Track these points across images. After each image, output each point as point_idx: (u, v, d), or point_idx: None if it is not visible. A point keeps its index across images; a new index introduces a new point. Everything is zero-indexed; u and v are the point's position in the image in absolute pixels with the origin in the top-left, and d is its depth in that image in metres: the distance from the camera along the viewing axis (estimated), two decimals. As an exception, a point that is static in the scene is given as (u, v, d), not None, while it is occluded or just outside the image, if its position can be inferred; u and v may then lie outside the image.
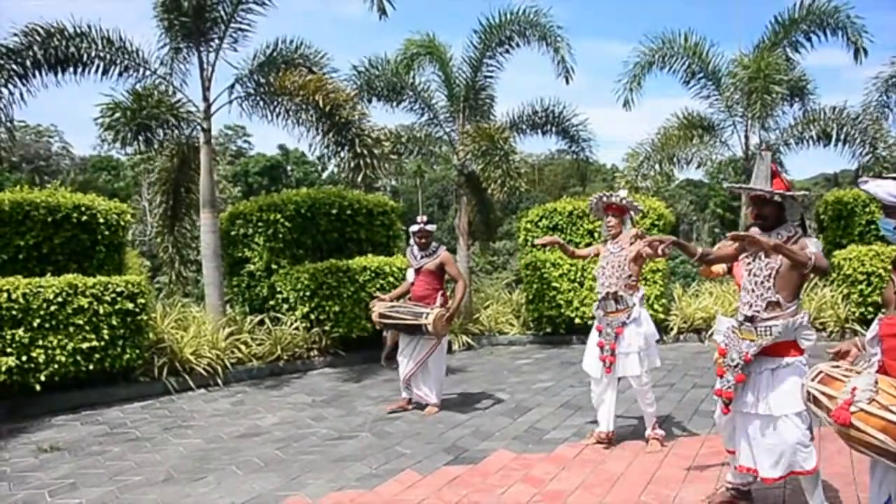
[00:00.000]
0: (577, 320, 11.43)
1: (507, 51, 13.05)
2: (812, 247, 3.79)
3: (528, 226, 12.67)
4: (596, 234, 12.25)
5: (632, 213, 6.11)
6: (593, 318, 11.08)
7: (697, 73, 13.43)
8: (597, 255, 6.27)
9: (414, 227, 7.53)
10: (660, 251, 4.12)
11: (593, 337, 6.08)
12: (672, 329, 11.45)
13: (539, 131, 13.60)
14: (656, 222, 11.80)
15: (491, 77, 13.16)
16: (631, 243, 5.83)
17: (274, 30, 10.89)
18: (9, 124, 9.79)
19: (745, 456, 4.14)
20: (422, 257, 7.45)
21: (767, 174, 3.99)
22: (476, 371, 9.80)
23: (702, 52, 13.29)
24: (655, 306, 11.11)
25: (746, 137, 13.58)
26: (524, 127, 13.46)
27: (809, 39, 13.51)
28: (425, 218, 7.58)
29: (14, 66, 9.32)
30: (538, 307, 11.85)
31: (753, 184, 4.07)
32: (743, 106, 13.00)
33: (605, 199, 6.06)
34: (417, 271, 7.48)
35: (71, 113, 46.47)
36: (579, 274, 11.51)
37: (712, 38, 24.10)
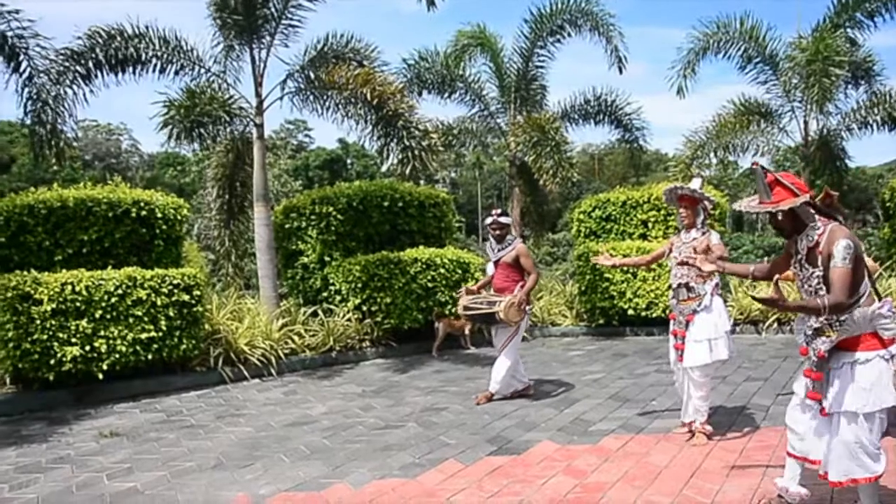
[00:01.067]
0: (630, 312, 11.31)
1: (559, 40, 13.00)
2: (840, 259, 3.65)
3: (581, 216, 12.57)
4: (650, 224, 12.11)
5: (705, 203, 6.03)
6: (647, 309, 11.08)
7: (754, 57, 13.10)
8: (670, 250, 6.22)
9: (488, 220, 7.59)
10: (705, 273, 4.15)
11: (671, 327, 6.10)
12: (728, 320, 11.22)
13: (592, 121, 13.50)
14: (712, 212, 11.57)
15: (542, 67, 13.14)
16: (702, 240, 5.82)
17: (327, 24, 11.03)
18: (73, 123, 10.16)
19: (815, 451, 3.98)
20: (499, 250, 7.51)
21: (765, 188, 3.87)
22: (527, 362, 9.73)
23: (758, 35, 12.94)
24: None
25: (805, 123, 13.20)
26: (576, 117, 13.38)
27: (873, 18, 13.00)
28: (499, 210, 7.63)
29: (78, 68, 9.69)
30: (591, 298, 11.76)
31: (757, 201, 3.96)
32: (801, 90, 12.61)
33: (677, 190, 6.01)
34: (496, 264, 7.56)
35: (139, 111, 47.86)
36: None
37: (770, 21, 23.47)
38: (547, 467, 5.28)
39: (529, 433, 6.25)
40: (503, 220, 7.54)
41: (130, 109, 75.90)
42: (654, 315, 11.32)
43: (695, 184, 6.03)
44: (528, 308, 7.52)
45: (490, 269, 7.75)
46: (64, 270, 8.31)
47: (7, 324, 7.82)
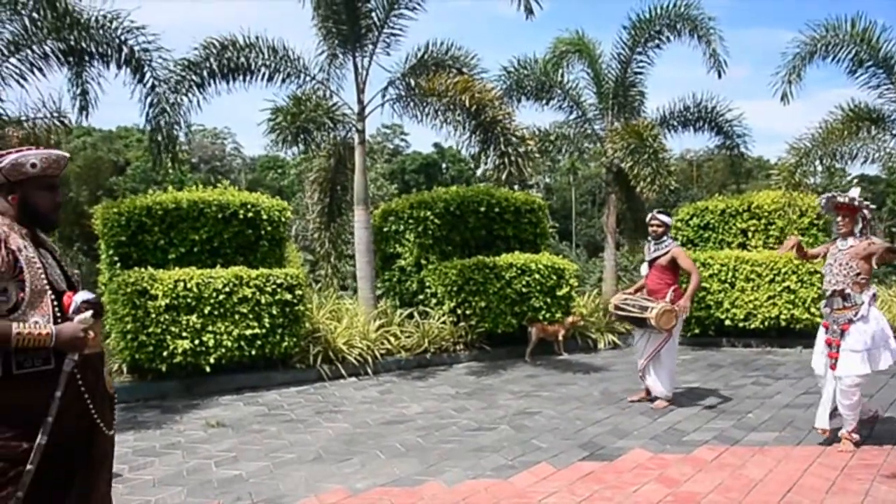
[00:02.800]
0: (728, 322, 11.10)
1: (658, 46, 12.84)
2: None
3: (679, 224, 12.41)
4: (749, 234, 11.86)
5: (864, 211, 5.95)
6: (745, 320, 10.83)
7: (866, 61, 12.54)
8: (825, 254, 6.18)
9: (648, 216, 7.67)
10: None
11: (821, 335, 6.07)
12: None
13: (691, 128, 13.28)
14: (815, 221, 11.27)
15: (640, 73, 13.00)
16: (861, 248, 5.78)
17: (427, 30, 11.32)
18: (187, 129, 10.73)
19: None
20: (654, 251, 7.55)
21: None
22: (620, 370, 9.75)
23: (871, 38, 12.39)
24: (812, 309, 10.61)
25: (921, 129, 12.58)
26: (675, 123, 13.19)
27: None
28: (660, 209, 7.68)
29: (193, 77, 10.23)
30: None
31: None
32: (918, 96, 12.03)
33: (836, 198, 5.97)
34: (650, 264, 7.59)
35: (242, 116, 49.82)
36: (730, 275, 11.16)
37: (885, 23, 22.32)
38: (639, 475, 5.30)
39: (622, 440, 6.26)
40: (663, 217, 7.55)
41: (234, 114, 78.88)
42: (752, 326, 11.07)
43: (854, 192, 5.98)
44: (683, 314, 7.43)
45: (644, 269, 7.74)
46: (177, 268, 8.79)
47: (126, 317, 8.33)
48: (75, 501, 2.95)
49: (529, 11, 10.12)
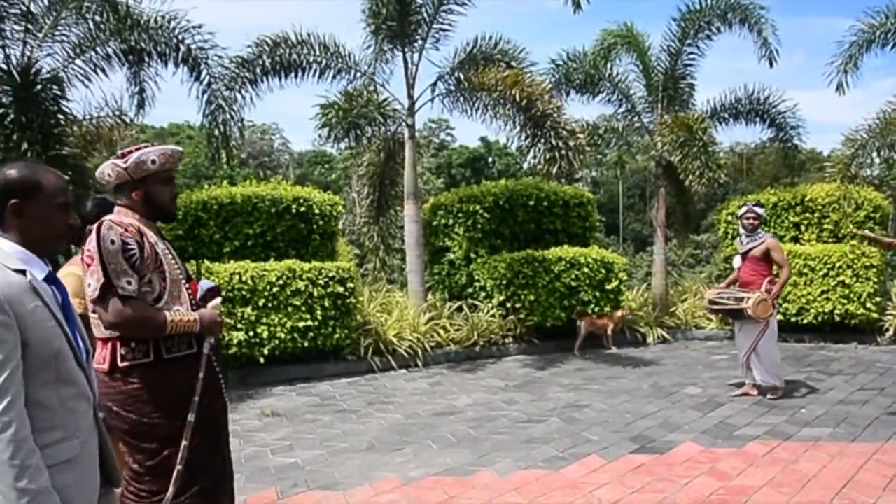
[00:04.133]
0: (780, 317, 10.91)
1: (708, 37, 12.65)
2: None
3: (729, 218, 12.27)
4: (802, 227, 11.69)
5: None
6: (797, 315, 10.67)
7: (929, 48, 12.22)
8: None
9: (742, 209, 7.72)
10: None
11: None
12: (888, 330, 10.67)
13: (742, 120, 13.07)
14: (872, 214, 11.05)
15: (690, 65, 12.83)
16: None
17: (473, 25, 11.36)
18: (240, 124, 10.97)
19: None
20: (747, 243, 7.58)
21: None
22: (669, 364, 9.72)
23: (935, 24, 12.07)
24: (868, 304, 10.43)
25: None
26: (726, 116, 13.00)
27: None
28: (755, 200, 7.68)
29: (246, 74, 10.46)
30: (738, 302, 11.46)
31: None
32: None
33: None
34: (743, 256, 7.63)
35: (289, 112, 50.49)
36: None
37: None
38: (690, 468, 5.32)
39: (672, 434, 6.28)
40: (758, 210, 7.59)
41: (282, 110, 79.94)
42: (805, 321, 10.92)
43: None
44: (776, 303, 7.49)
45: (737, 261, 7.77)
46: (231, 261, 9.01)
47: (182, 309, 8.57)
48: (222, 470, 3.26)
49: (577, 6, 10.13)
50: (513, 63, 11.10)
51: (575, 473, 5.31)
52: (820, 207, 11.54)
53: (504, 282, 10.68)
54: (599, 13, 14.57)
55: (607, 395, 7.92)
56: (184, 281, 3.17)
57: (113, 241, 2.89)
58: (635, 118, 13.23)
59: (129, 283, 2.92)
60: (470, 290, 11.39)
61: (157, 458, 3.03)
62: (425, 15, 10.89)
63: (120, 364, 2.98)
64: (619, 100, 13.05)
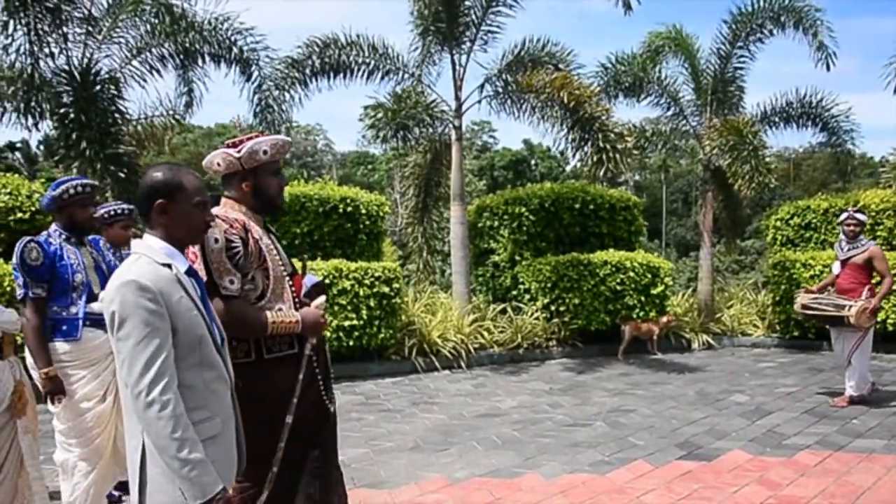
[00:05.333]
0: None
1: (760, 40, 12.46)
2: None
3: (778, 224, 12.10)
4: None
5: None
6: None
7: None
8: None
9: (843, 216, 7.57)
10: None
11: None
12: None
13: (794, 124, 12.83)
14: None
15: (741, 68, 12.65)
16: None
17: (519, 27, 11.41)
18: (288, 124, 11.12)
19: None
20: (848, 249, 7.45)
21: None
22: (715, 370, 9.62)
23: None
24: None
25: None
26: (776, 120, 12.77)
27: None
28: (857, 206, 7.57)
29: (296, 74, 10.59)
30: (786, 309, 11.27)
31: None
32: None
33: None
34: (843, 263, 7.50)
35: (332, 113, 51.01)
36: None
37: None
38: (739, 476, 5.27)
39: (720, 441, 6.21)
40: (860, 216, 7.44)
41: (325, 111, 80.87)
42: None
43: None
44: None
45: (836, 268, 7.63)
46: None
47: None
48: (314, 474, 3.18)
49: (628, 7, 10.10)
50: (560, 65, 11.08)
51: (622, 478, 5.29)
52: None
53: (548, 285, 10.66)
54: (644, 16, 14.46)
55: (652, 400, 7.87)
56: (287, 278, 3.12)
57: (216, 240, 2.85)
58: (683, 121, 13.09)
59: (231, 282, 2.90)
60: (514, 292, 11.39)
61: (253, 458, 2.94)
62: (474, 17, 10.93)
63: None
64: (668, 103, 12.92)
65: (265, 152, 3.04)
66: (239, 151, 3.01)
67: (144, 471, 2.25)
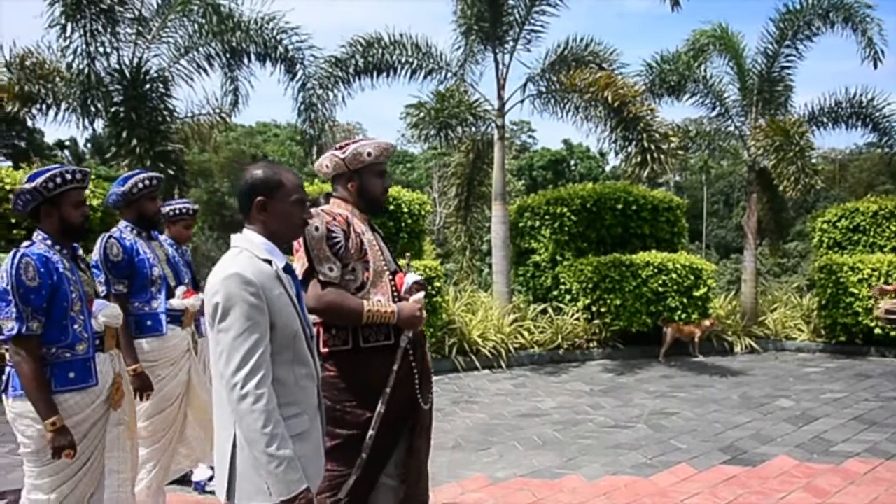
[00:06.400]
0: (878, 331, 10.53)
1: (808, 38, 12.23)
2: None
3: (825, 226, 11.88)
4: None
5: None
6: (897, 329, 10.23)
7: None
8: None
9: None
10: None
11: None
12: None
13: (843, 124, 12.56)
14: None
15: (788, 67, 12.42)
16: None
17: (560, 27, 11.37)
18: (331, 123, 11.21)
19: None
20: None
21: None
22: (759, 375, 9.48)
23: None
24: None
25: None
26: (824, 120, 12.52)
27: None
28: None
29: (339, 73, 10.67)
30: (832, 314, 11.07)
31: None
32: None
33: None
34: None
35: (371, 111, 51.30)
36: (882, 280, 10.57)
37: None
38: (785, 482, 5.19)
39: (765, 446, 6.13)
40: None
41: (363, 109, 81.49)
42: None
43: None
44: None
45: None
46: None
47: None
48: (400, 466, 3.29)
49: (676, 3, 10.05)
50: (603, 65, 11.00)
51: (665, 481, 5.25)
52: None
53: (590, 285, 10.60)
54: (685, 15, 14.30)
55: (695, 403, 7.79)
56: (388, 273, 3.23)
57: (317, 228, 2.99)
58: (727, 122, 12.91)
59: (330, 269, 3.03)
60: (555, 292, 11.34)
61: (344, 443, 3.10)
62: (517, 16, 10.91)
63: (321, 350, 3.08)
64: (712, 103, 12.75)
65: (369, 154, 3.19)
66: (344, 153, 3.18)
67: (234, 461, 2.29)
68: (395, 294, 3.22)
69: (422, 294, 3.28)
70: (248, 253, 2.34)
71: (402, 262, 3.45)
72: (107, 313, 3.42)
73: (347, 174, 3.21)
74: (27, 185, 3.17)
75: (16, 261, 3.05)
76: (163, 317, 4.14)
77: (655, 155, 9.43)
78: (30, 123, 13.06)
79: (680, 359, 10.47)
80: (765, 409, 7.53)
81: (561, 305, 11.02)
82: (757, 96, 12.43)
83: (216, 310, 2.23)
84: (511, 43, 11.08)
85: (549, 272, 11.52)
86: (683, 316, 10.65)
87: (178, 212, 4.97)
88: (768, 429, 6.71)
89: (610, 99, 9.60)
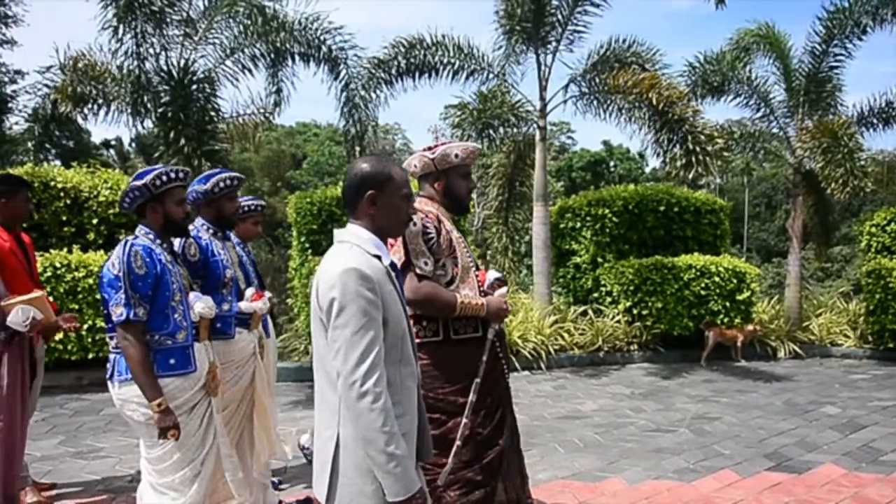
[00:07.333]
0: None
1: (858, 36, 11.96)
2: None
3: (874, 230, 11.64)
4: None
5: None
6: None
7: None
8: None
9: None
10: None
11: None
12: None
13: (895, 125, 12.28)
14: None
15: (836, 67, 12.17)
16: None
17: (603, 28, 11.28)
18: (373, 123, 11.27)
19: None
20: None
21: None
22: (803, 381, 9.32)
23: None
24: None
25: None
26: (874, 121, 12.25)
27: None
28: None
29: (382, 74, 10.73)
30: (880, 319, 10.84)
31: None
32: None
33: None
34: None
35: (410, 112, 51.56)
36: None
37: None
38: (832, 491, 5.10)
39: (810, 454, 6.03)
40: None
41: (402, 110, 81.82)
42: None
43: None
44: None
45: None
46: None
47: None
48: (507, 446, 3.45)
49: (720, 1, 9.94)
50: (646, 65, 10.89)
51: (708, 487, 5.20)
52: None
53: (631, 288, 10.52)
54: (727, 15, 14.09)
55: (738, 408, 7.69)
56: (474, 269, 3.39)
57: (414, 223, 3.14)
58: (772, 123, 12.69)
59: (425, 263, 3.19)
60: (595, 294, 11.28)
61: (440, 430, 3.21)
62: (560, 16, 10.87)
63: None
64: (757, 104, 12.54)
65: (456, 156, 3.37)
66: (433, 154, 3.35)
67: (336, 462, 2.27)
68: (480, 289, 3.38)
69: (505, 289, 3.45)
70: (359, 249, 2.31)
71: (481, 262, 3.58)
72: (202, 304, 3.56)
73: (435, 174, 3.37)
74: (136, 183, 3.36)
75: (127, 249, 3.22)
76: (232, 319, 4.13)
77: (700, 157, 9.32)
78: (81, 123, 13.35)
79: (722, 363, 10.33)
80: (810, 415, 7.41)
81: (601, 307, 10.95)
82: (803, 97, 12.20)
83: (332, 306, 2.20)
84: (553, 43, 11.04)
85: (590, 274, 11.45)
86: (726, 320, 10.51)
87: (248, 209, 5.01)
88: (814, 436, 6.60)
89: (654, 100, 9.52)
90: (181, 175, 3.44)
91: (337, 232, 2.42)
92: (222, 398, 4.12)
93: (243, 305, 4.22)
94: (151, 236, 3.39)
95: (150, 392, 3.19)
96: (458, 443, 3.19)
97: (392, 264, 2.44)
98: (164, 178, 3.37)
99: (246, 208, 4.99)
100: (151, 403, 3.19)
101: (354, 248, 2.31)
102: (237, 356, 4.17)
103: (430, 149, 3.40)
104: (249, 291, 4.31)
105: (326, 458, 2.29)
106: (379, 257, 2.34)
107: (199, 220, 4.26)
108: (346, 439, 2.24)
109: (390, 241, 3.09)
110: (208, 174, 4.34)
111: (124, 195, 3.40)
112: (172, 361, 3.32)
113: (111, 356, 3.36)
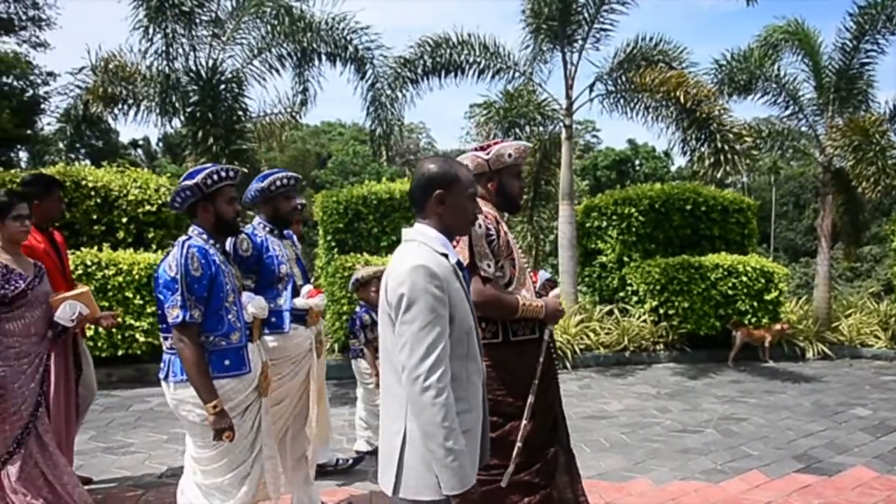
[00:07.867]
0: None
1: (891, 32, 11.77)
2: None
3: (908, 229, 11.47)
4: None
5: None
6: None
7: None
8: None
9: None
10: None
11: None
12: None
13: (930, 121, 12.08)
14: None
15: (868, 63, 11.99)
16: None
17: (629, 26, 11.20)
18: (399, 122, 11.29)
19: None
20: None
21: None
22: (832, 382, 9.21)
23: None
24: None
25: None
26: (907, 118, 12.08)
27: None
28: None
29: (407, 73, 10.74)
30: (913, 320, 10.70)
31: None
32: None
33: None
34: None
35: (435, 111, 51.58)
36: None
37: None
38: (864, 494, 5.04)
39: (840, 456, 5.97)
40: None
41: (426, 108, 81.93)
42: None
43: None
44: None
45: None
46: (388, 256, 9.28)
47: (342, 299, 8.96)
48: (562, 447, 3.49)
49: (751, -1, 9.90)
50: (673, 64, 10.82)
51: (735, 488, 5.16)
52: None
53: (657, 287, 10.45)
54: (754, 13, 13.92)
55: (766, 409, 7.62)
56: (529, 270, 3.41)
57: (479, 225, 3.12)
58: (801, 121, 12.52)
59: (489, 265, 3.17)
60: (621, 293, 11.23)
61: (497, 432, 3.20)
62: (586, 15, 10.81)
63: None
64: (785, 101, 12.39)
65: (510, 156, 3.35)
66: (487, 154, 3.32)
67: (403, 455, 2.32)
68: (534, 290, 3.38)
69: (559, 290, 3.48)
70: (427, 247, 2.37)
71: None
72: (255, 305, 3.59)
73: (488, 174, 3.34)
74: (188, 182, 3.36)
75: (184, 251, 3.23)
76: (286, 314, 4.18)
77: (729, 155, 9.24)
78: (111, 123, 13.54)
79: (749, 363, 10.24)
80: (840, 417, 7.33)
81: (627, 307, 10.90)
82: (833, 94, 12.03)
83: (401, 301, 2.26)
84: (580, 42, 10.99)
85: (616, 273, 11.40)
86: (753, 320, 10.42)
87: (293, 208, 5.05)
88: (844, 438, 6.53)
89: (682, 98, 9.45)
90: (231, 174, 3.45)
91: (405, 231, 2.47)
92: (278, 392, 4.15)
93: (300, 302, 4.25)
94: (205, 236, 3.39)
95: (206, 394, 3.20)
96: (518, 444, 3.17)
97: (459, 263, 2.48)
98: (215, 176, 3.37)
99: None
100: (207, 405, 3.19)
101: (422, 246, 2.37)
102: (293, 352, 4.22)
103: (482, 149, 3.37)
104: (306, 288, 4.36)
105: (393, 451, 2.34)
106: (446, 255, 2.38)
107: (256, 219, 4.36)
108: (412, 433, 2.28)
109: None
110: (266, 173, 4.42)
111: (175, 195, 3.40)
112: (227, 363, 3.33)
113: (165, 356, 3.36)
